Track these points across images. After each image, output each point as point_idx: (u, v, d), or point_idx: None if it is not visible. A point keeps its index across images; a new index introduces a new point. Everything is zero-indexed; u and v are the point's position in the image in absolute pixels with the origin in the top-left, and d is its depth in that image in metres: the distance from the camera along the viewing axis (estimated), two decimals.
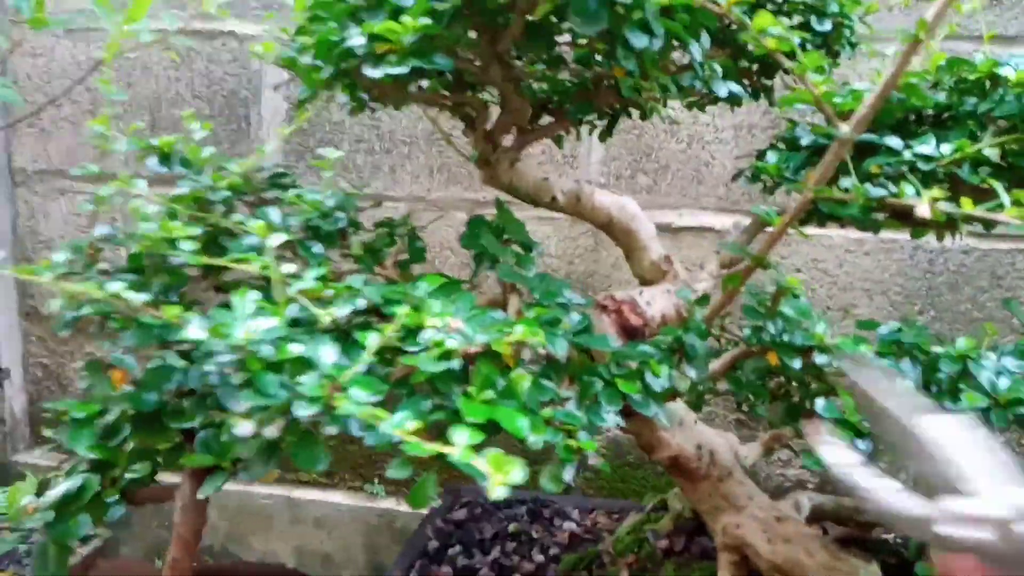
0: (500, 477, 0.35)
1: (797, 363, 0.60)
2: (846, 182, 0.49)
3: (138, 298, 0.53)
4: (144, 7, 0.87)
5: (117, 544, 1.66)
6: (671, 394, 0.57)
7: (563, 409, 0.55)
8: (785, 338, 0.60)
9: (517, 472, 0.35)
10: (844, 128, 0.47)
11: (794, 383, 0.76)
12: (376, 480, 1.56)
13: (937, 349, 0.60)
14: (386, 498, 1.56)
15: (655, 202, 1.38)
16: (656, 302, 0.77)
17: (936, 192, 0.46)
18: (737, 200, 1.35)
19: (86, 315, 0.63)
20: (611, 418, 0.55)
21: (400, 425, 0.41)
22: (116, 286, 0.53)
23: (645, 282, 0.82)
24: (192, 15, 1.47)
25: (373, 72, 0.55)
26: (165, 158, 0.65)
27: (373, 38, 0.57)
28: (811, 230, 1.32)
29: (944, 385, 0.58)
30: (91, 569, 1.11)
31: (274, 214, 0.63)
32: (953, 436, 0.35)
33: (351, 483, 1.57)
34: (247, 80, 1.49)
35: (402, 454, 0.42)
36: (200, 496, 0.66)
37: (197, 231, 0.57)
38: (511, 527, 0.96)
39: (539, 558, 0.88)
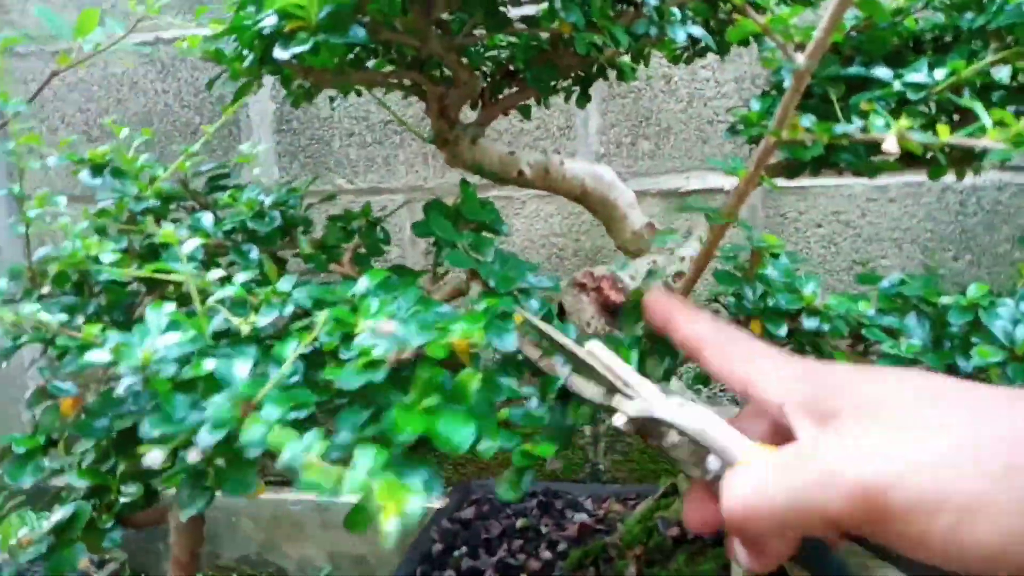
0: (393, 509, 0.30)
1: (783, 330, 0.53)
2: (806, 120, 0.43)
3: (53, 319, 0.50)
4: (93, 19, 0.84)
5: (158, 560, 1.68)
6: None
7: (522, 409, 0.50)
8: (768, 302, 0.54)
9: (414, 501, 0.30)
10: (799, 58, 0.40)
11: (791, 348, 0.70)
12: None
13: (946, 300, 0.52)
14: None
15: (660, 167, 1.31)
16: (640, 275, 0.71)
17: (904, 121, 0.39)
18: (747, 157, 1.26)
19: (24, 344, 0.61)
20: (572, 419, 0.49)
21: (308, 448, 0.36)
22: (30, 308, 0.50)
23: (629, 254, 0.76)
24: (170, 23, 1.45)
25: (282, 53, 0.51)
26: (97, 170, 0.62)
27: (283, 15, 0.52)
28: (829, 180, 1.25)
29: (956, 340, 0.51)
30: None
31: (206, 219, 0.59)
32: (608, 356, 0.46)
33: None
34: (234, 85, 1.46)
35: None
36: (182, 518, 0.63)
37: (121, 245, 0.54)
38: (519, 522, 0.91)
39: (546, 555, 0.83)
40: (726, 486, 0.36)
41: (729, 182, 1.29)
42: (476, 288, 0.62)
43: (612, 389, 0.46)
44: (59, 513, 0.70)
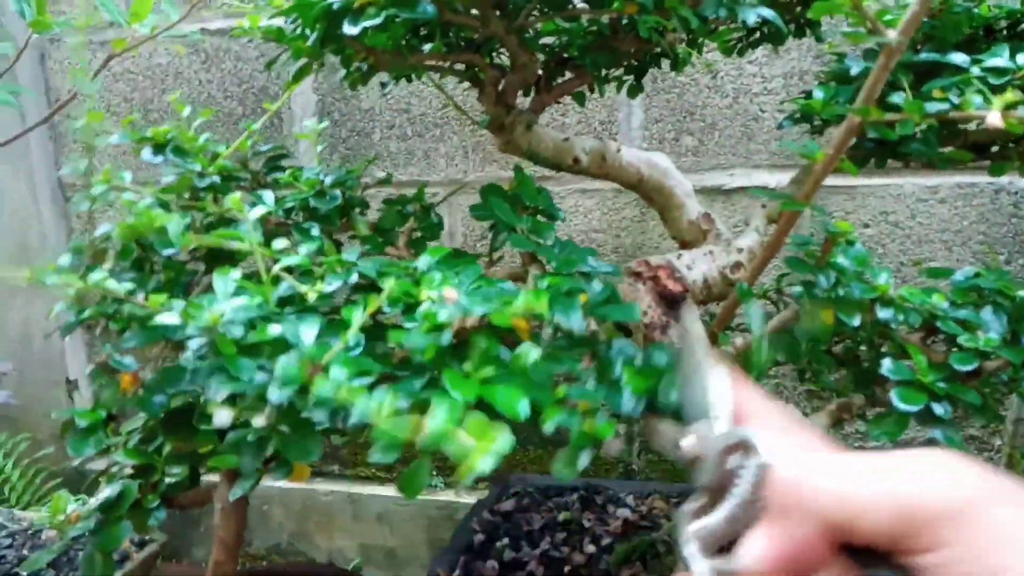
0: (484, 447, 0.29)
1: (856, 320, 0.51)
2: (897, 98, 0.41)
3: (120, 287, 0.50)
4: (148, 5, 0.85)
5: (190, 546, 1.69)
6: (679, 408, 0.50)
7: (579, 387, 0.49)
8: (840, 292, 0.52)
9: (503, 440, 0.29)
10: (891, 34, 0.39)
11: (862, 345, 0.68)
12: (434, 472, 1.53)
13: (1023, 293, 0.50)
14: (445, 490, 1.53)
15: (703, 164, 1.29)
16: (697, 265, 0.70)
17: (1010, 95, 0.38)
18: (792, 155, 1.25)
19: (88, 317, 0.61)
20: (630, 402, 0.48)
21: (378, 408, 0.36)
22: (98, 276, 0.50)
23: (684, 244, 0.74)
24: (215, 13, 1.46)
25: (351, 28, 0.50)
26: (159, 148, 0.62)
27: None
28: (878, 179, 1.22)
29: None
30: (149, 572, 1.12)
31: (267, 197, 0.59)
32: (724, 382, 0.41)
33: None
34: (276, 75, 1.47)
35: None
36: (230, 498, 0.63)
37: (186, 220, 0.54)
38: (561, 516, 0.90)
39: (590, 549, 0.82)
40: (805, 457, 0.34)
41: (775, 179, 1.27)
42: (535, 271, 0.61)
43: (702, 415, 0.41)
44: (107, 491, 0.71)
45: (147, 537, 1.11)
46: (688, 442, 0.39)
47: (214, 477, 0.67)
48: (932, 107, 0.41)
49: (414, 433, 0.32)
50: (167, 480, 0.70)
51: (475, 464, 0.28)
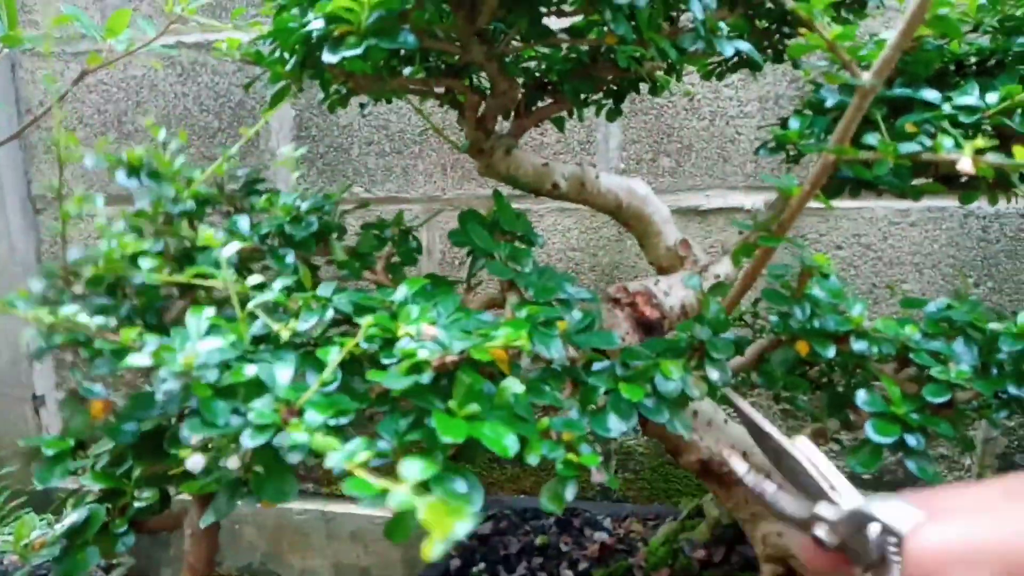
0: (440, 532, 0.28)
1: (831, 351, 0.52)
2: (872, 139, 0.42)
3: (92, 322, 0.49)
4: (124, 20, 0.84)
5: (158, 567, 1.66)
6: (685, 400, 0.51)
7: (563, 418, 0.49)
8: (816, 323, 0.53)
9: (463, 525, 0.29)
10: (866, 76, 0.39)
11: (836, 369, 0.69)
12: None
13: (995, 326, 0.51)
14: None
15: (680, 184, 1.30)
16: (674, 291, 0.70)
17: (980, 142, 0.38)
18: (767, 176, 1.26)
19: (58, 344, 0.59)
20: (617, 427, 0.48)
21: (350, 456, 0.35)
22: (70, 310, 0.49)
23: (662, 270, 0.75)
24: (191, 27, 1.45)
25: (330, 57, 0.50)
26: (133, 171, 0.61)
27: (330, 19, 0.51)
28: (850, 203, 1.24)
29: (1007, 367, 0.50)
30: None
31: (242, 222, 0.58)
32: (815, 454, 0.45)
33: None
34: (253, 91, 1.46)
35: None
36: (201, 524, 0.62)
37: (158, 247, 0.53)
38: (538, 540, 0.90)
39: (567, 574, 0.82)
40: (914, 534, 0.36)
41: (750, 201, 1.28)
42: (513, 298, 0.61)
43: (816, 493, 0.44)
44: (73, 516, 0.69)
45: (114, 561, 1.08)
46: (823, 532, 0.42)
47: (184, 496, 0.66)
48: (905, 148, 0.42)
49: (381, 496, 0.32)
50: (136, 504, 0.68)
51: (428, 553, 0.27)
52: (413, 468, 0.32)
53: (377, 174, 1.43)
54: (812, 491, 0.44)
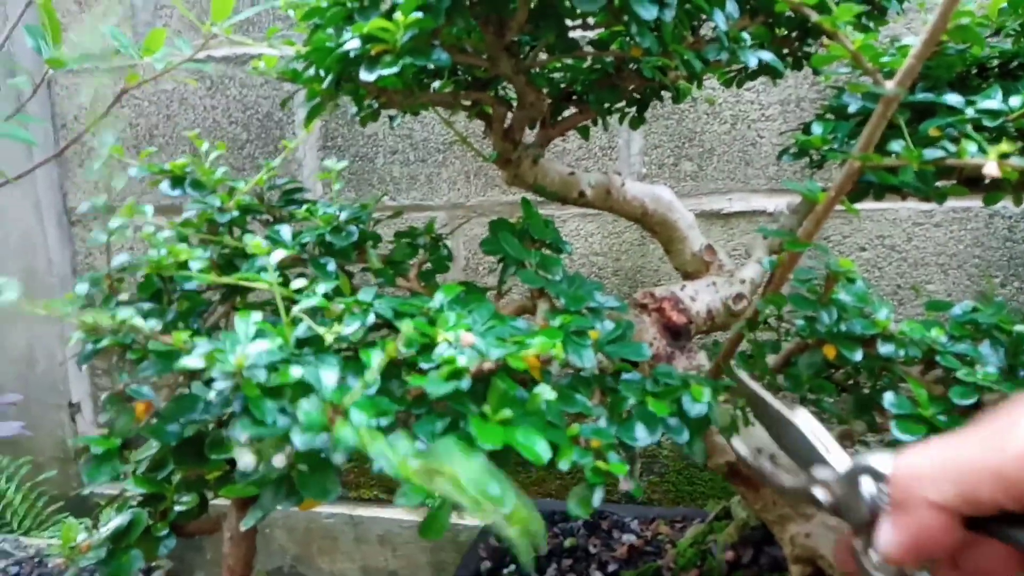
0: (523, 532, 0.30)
1: (858, 355, 0.53)
2: (896, 145, 0.43)
3: (146, 325, 0.51)
4: (160, 38, 0.87)
5: (192, 571, 1.69)
6: (708, 423, 0.52)
7: (592, 425, 0.50)
8: (842, 327, 0.54)
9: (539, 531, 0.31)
10: (889, 85, 0.41)
11: (862, 372, 0.70)
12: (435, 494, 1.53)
13: (1021, 328, 0.52)
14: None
15: (702, 188, 1.31)
16: (700, 296, 0.72)
17: (1005, 146, 0.39)
18: (789, 179, 1.27)
19: (105, 347, 0.62)
20: (644, 436, 0.49)
21: (397, 454, 0.37)
22: (126, 313, 0.52)
23: (687, 275, 0.76)
24: (220, 41, 1.48)
25: (367, 75, 0.52)
26: (177, 181, 0.63)
27: (367, 39, 0.54)
28: (873, 205, 1.24)
29: None
30: None
31: (284, 231, 0.60)
32: (813, 423, 0.46)
33: None
34: (280, 101, 1.49)
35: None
36: (242, 527, 0.64)
37: (207, 254, 0.55)
38: (567, 542, 0.91)
39: (597, 575, 0.83)
40: (906, 454, 0.39)
41: (772, 204, 1.29)
42: (544, 306, 0.62)
43: (810, 460, 0.45)
44: (116, 520, 0.72)
45: (152, 564, 1.11)
46: (823, 493, 0.43)
47: (222, 501, 0.68)
48: (930, 154, 0.43)
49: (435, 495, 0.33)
50: (176, 508, 0.70)
51: (520, 552, 0.29)
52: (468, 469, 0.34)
53: (402, 182, 1.45)
54: (809, 457, 0.45)
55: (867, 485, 0.41)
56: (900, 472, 0.38)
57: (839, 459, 0.44)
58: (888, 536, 0.38)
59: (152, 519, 0.70)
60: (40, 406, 1.67)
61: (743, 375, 0.51)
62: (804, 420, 0.47)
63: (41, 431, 1.67)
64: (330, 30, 0.60)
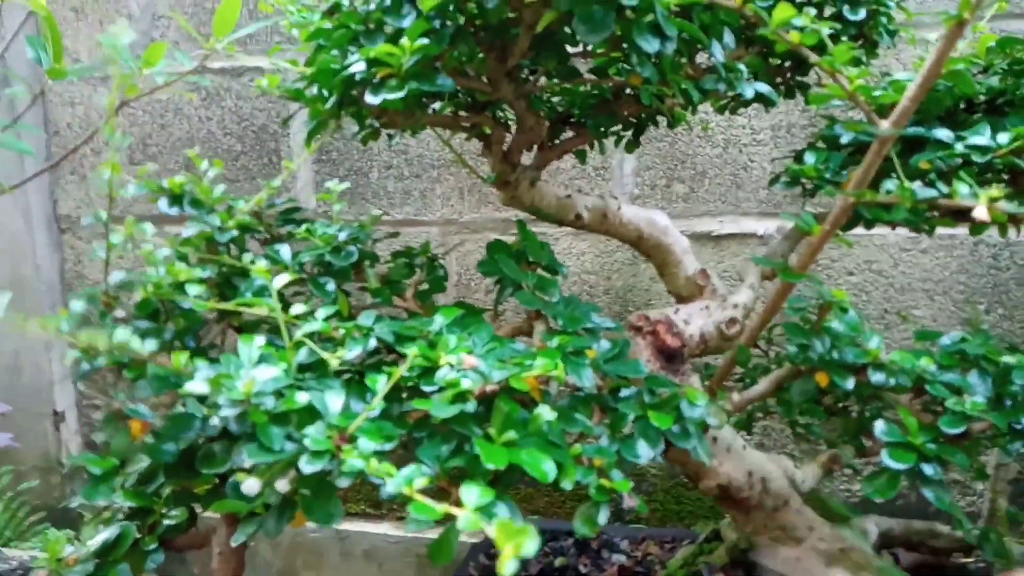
0: (511, 550, 0.31)
1: (850, 383, 0.54)
2: (890, 184, 0.44)
3: (145, 347, 0.51)
4: (160, 51, 0.87)
5: None
6: (705, 427, 0.53)
7: (593, 444, 0.51)
8: (835, 356, 0.55)
9: (531, 544, 0.31)
10: (884, 125, 0.42)
11: (852, 398, 0.71)
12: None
13: (1008, 359, 0.53)
14: (435, 528, 1.53)
15: (693, 210, 1.33)
16: (694, 320, 0.73)
17: (995, 192, 0.41)
18: (779, 203, 1.29)
19: (101, 367, 0.62)
20: (646, 452, 0.50)
21: (408, 482, 0.38)
22: (123, 335, 0.52)
23: (681, 299, 0.77)
24: (217, 53, 1.49)
25: (372, 99, 0.53)
26: (176, 199, 0.64)
27: (372, 63, 0.54)
28: (862, 230, 1.27)
29: (1020, 398, 0.52)
30: None
31: (284, 251, 0.61)
32: None
33: (399, 513, 1.55)
34: (275, 114, 1.49)
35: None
36: (232, 543, 0.64)
37: (206, 273, 0.55)
38: (557, 561, 0.91)
39: None
40: None
41: (763, 227, 1.30)
42: (541, 327, 0.63)
43: None
44: (104, 533, 0.71)
45: None
46: None
47: (211, 515, 0.67)
48: (923, 193, 0.44)
49: (442, 518, 0.34)
50: (165, 522, 0.70)
51: (503, 569, 0.30)
52: (471, 494, 0.34)
53: (396, 197, 1.46)
54: None
55: None
56: None
57: None
58: None
59: (140, 533, 0.70)
60: (24, 415, 1.65)
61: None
62: None
63: (25, 440, 1.64)
64: (335, 52, 0.61)
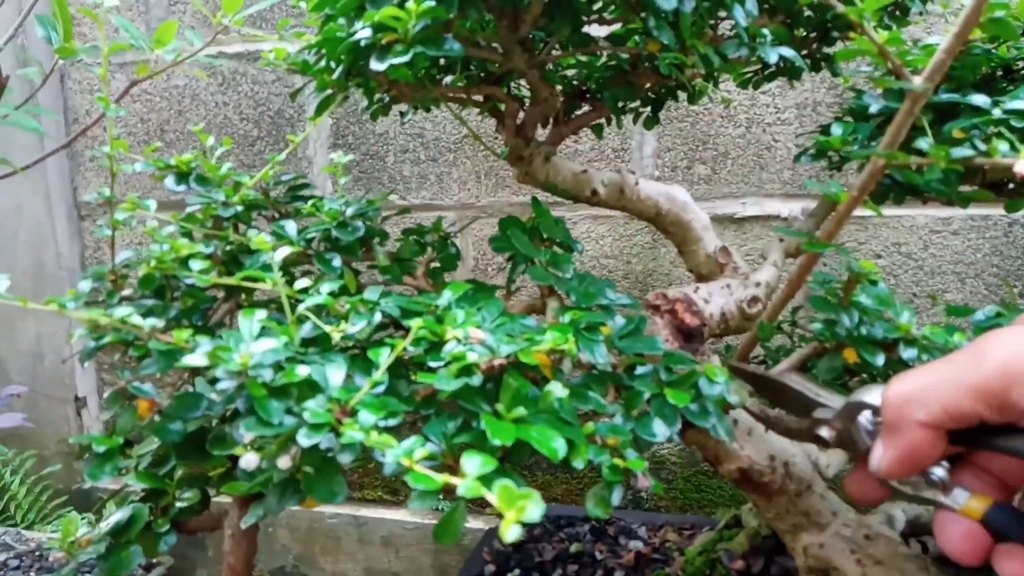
0: (513, 514, 0.29)
1: (880, 359, 0.51)
2: (923, 143, 0.41)
3: (145, 323, 0.50)
4: (171, 31, 0.86)
5: (194, 567, 1.68)
6: (726, 405, 0.50)
7: (607, 423, 0.49)
8: (863, 331, 0.52)
9: (534, 508, 0.30)
10: (917, 80, 0.39)
11: (878, 379, 0.68)
12: (440, 496, 1.52)
13: None
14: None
15: (715, 192, 1.30)
16: (714, 299, 0.70)
17: None
18: (803, 184, 1.25)
19: (107, 344, 0.61)
20: (662, 431, 0.48)
21: (408, 453, 0.36)
22: (123, 311, 0.51)
23: (701, 277, 0.74)
24: (233, 37, 1.48)
25: (378, 65, 0.51)
26: (182, 177, 0.62)
27: (378, 28, 0.52)
28: (890, 211, 1.22)
29: None
30: None
31: (290, 227, 0.59)
32: (804, 380, 0.51)
33: None
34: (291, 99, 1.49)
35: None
36: (243, 525, 0.63)
37: (210, 249, 0.54)
38: (573, 547, 0.89)
39: None
40: (892, 382, 0.43)
41: (787, 208, 1.27)
42: (554, 304, 0.61)
43: (809, 407, 0.50)
44: (117, 515, 0.71)
45: (154, 560, 1.10)
46: (826, 431, 0.48)
47: (225, 498, 0.67)
48: (958, 152, 0.41)
49: (443, 489, 0.32)
50: (177, 504, 0.69)
51: (504, 534, 0.28)
52: (473, 463, 0.33)
53: (412, 181, 1.44)
54: (808, 405, 0.50)
55: (863, 416, 0.46)
56: (890, 398, 0.42)
57: (832, 399, 0.49)
58: (879, 454, 0.43)
59: (153, 515, 0.69)
60: (46, 400, 1.67)
61: (736, 363, 0.56)
62: (796, 380, 0.52)
63: (47, 425, 1.66)
64: (341, 20, 0.59)
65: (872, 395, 0.45)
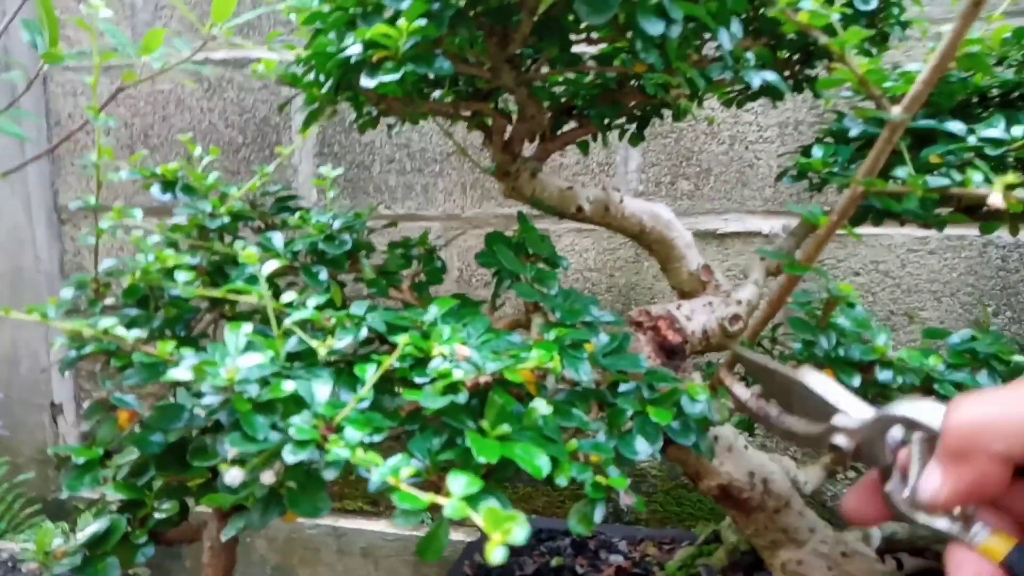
0: (499, 537, 0.29)
1: (856, 381, 0.52)
2: (901, 172, 0.43)
3: (129, 335, 0.50)
4: (159, 37, 0.86)
5: None
6: (707, 423, 0.51)
7: (590, 440, 0.49)
8: (841, 352, 0.53)
9: (519, 530, 0.30)
10: (895, 110, 0.40)
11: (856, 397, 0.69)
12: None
13: (1018, 358, 0.52)
14: (427, 526, 1.51)
15: (698, 208, 1.31)
16: (696, 316, 0.71)
17: (1011, 178, 0.39)
18: (785, 201, 1.27)
19: (88, 354, 0.61)
20: (644, 449, 0.49)
21: (394, 471, 0.36)
22: (107, 322, 0.50)
23: (684, 294, 0.75)
24: (219, 43, 1.48)
25: (368, 82, 0.51)
26: (168, 186, 0.62)
27: (368, 45, 0.53)
28: (869, 230, 1.25)
29: None
30: None
31: (277, 239, 0.59)
32: (824, 382, 0.46)
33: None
34: (278, 106, 1.49)
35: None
36: (222, 537, 0.63)
37: (196, 260, 0.54)
38: (553, 561, 0.90)
39: None
40: (954, 407, 0.39)
41: (768, 225, 1.29)
42: (539, 320, 0.61)
43: (825, 412, 0.46)
44: (94, 526, 0.70)
45: (130, 572, 1.09)
46: (844, 440, 0.44)
47: (204, 508, 0.66)
48: (935, 182, 0.43)
49: (428, 509, 0.33)
50: (156, 515, 0.69)
51: (490, 556, 0.28)
52: (458, 483, 0.33)
53: (398, 192, 1.44)
54: (824, 409, 0.45)
55: (895, 432, 0.41)
56: (960, 423, 0.38)
57: (856, 407, 0.44)
58: (936, 482, 0.38)
59: (131, 526, 0.69)
60: (22, 406, 1.65)
61: (748, 352, 0.51)
62: (813, 378, 0.47)
63: (22, 432, 1.64)
64: (332, 35, 0.59)
65: (911, 410, 0.41)
